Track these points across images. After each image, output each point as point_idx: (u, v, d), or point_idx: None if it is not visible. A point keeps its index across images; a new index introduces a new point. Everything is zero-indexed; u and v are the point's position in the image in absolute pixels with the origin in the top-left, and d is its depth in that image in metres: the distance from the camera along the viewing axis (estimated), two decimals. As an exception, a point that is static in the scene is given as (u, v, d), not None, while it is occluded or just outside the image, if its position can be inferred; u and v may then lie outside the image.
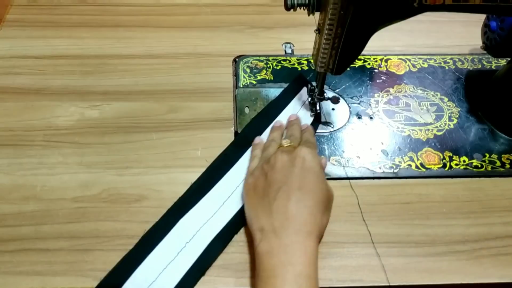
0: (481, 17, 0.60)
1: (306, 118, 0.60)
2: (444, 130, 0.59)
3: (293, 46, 0.70)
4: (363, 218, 0.51)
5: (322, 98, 0.58)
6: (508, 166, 0.56)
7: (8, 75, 0.64)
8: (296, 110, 0.61)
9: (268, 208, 0.45)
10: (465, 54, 0.69)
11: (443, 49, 0.70)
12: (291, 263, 0.41)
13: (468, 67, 0.67)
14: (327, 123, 0.60)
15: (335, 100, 0.61)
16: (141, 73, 0.65)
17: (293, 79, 0.64)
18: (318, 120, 0.60)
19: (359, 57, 0.67)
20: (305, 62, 0.67)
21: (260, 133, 0.57)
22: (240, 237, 0.49)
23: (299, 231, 0.43)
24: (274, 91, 0.63)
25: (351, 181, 0.54)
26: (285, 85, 0.63)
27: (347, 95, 0.63)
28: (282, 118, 0.59)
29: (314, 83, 0.58)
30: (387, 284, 0.46)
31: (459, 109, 0.62)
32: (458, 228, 0.50)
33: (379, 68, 0.67)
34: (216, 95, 0.63)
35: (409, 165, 0.56)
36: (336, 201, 0.52)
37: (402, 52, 0.69)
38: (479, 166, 0.56)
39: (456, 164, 0.56)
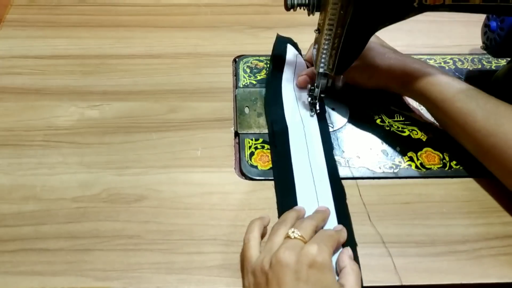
0: (481, 17, 0.60)
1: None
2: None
3: (293, 46, 0.70)
4: (369, 218, 0.50)
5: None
6: (508, 166, 0.56)
7: (8, 75, 0.64)
8: (293, 67, 0.64)
9: None
10: (465, 54, 0.69)
11: (443, 49, 0.70)
12: None
13: (468, 67, 0.67)
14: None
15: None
16: (141, 73, 0.65)
17: (274, 44, 0.67)
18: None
19: (359, 57, 0.67)
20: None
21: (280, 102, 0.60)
22: (240, 237, 0.49)
23: None
24: (274, 91, 0.63)
25: (350, 181, 0.54)
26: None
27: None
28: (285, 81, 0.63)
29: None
30: (390, 284, 0.46)
31: (459, 109, 0.62)
32: (458, 228, 0.50)
33: (379, 68, 0.67)
34: (216, 95, 0.63)
35: (409, 165, 0.56)
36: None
37: (402, 52, 0.69)
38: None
39: (456, 164, 0.56)
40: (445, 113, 0.53)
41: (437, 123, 0.59)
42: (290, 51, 0.67)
